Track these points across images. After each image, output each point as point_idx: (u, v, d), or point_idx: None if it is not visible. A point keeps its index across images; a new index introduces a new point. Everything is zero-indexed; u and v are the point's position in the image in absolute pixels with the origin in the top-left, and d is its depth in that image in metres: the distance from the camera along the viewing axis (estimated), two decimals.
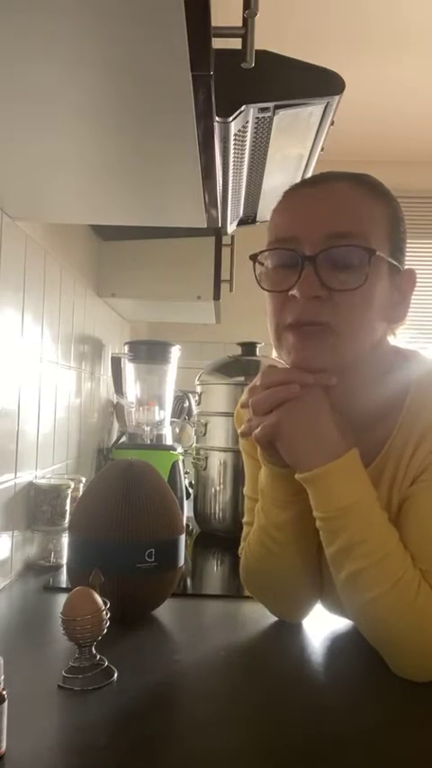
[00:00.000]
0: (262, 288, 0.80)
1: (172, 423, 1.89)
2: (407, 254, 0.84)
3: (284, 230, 0.78)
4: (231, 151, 1.01)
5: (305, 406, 0.76)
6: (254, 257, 0.81)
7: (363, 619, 0.79)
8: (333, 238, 0.75)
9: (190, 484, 1.70)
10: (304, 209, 0.78)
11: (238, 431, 0.88)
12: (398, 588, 0.72)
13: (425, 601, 0.72)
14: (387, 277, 0.78)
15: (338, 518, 0.74)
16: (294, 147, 1.13)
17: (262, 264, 0.81)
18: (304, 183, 0.82)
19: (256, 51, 0.67)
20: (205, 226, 1.08)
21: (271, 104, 0.92)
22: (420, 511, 0.77)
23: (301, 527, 0.83)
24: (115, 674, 0.74)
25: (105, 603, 0.75)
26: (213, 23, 0.53)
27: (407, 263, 0.83)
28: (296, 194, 0.81)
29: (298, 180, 1.24)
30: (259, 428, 0.77)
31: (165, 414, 1.79)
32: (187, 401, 2.05)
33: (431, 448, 0.76)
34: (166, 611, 0.97)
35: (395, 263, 0.79)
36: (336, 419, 0.77)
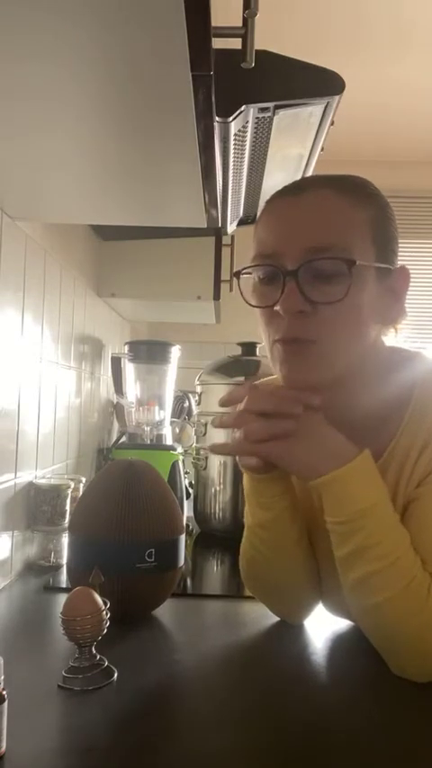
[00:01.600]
0: (247, 303, 0.80)
1: (172, 423, 1.88)
2: (406, 254, 0.84)
3: (266, 245, 0.78)
4: (231, 151, 1.01)
5: (303, 432, 0.75)
6: (237, 274, 0.81)
7: (370, 621, 0.78)
8: (313, 252, 0.74)
9: (190, 484, 1.70)
10: (284, 223, 0.77)
11: (217, 449, 0.89)
12: (409, 591, 0.72)
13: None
14: (375, 282, 0.77)
15: (355, 521, 0.73)
16: (294, 147, 1.13)
17: (248, 276, 0.81)
18: (285, 192, 0.80)
19: (256, 51, 0.66)
20: (205, 226, 1.08)
21: (271, 104, 0.92)
22: (428, 513, 0.76)
23: (287, 525, 0.83)
24: (115, 674, 0.74)
25: (105, 603, 0.75)
26: (213, 23, 0.53)
27: (406, 263, 0.82)
28: (276, 206, 0.80)
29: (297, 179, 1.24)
30: (253, 458, 0.78)
31: (165, 414, 1.79)
32: (187, 401, 2.05)
33: None
34: (166, 611, 0.97)
35: (384, 265, 0.78)
36: (330, 426, 0.77)
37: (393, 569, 0.72)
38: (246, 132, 0.98)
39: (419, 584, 0.72)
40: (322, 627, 0.92)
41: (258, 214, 0.83)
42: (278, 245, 0.76)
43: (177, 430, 1.99)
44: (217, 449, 0.88)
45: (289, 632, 0.91)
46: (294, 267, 0.74)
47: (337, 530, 0.75)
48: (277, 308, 0.75)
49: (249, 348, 1.66)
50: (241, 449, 0.79)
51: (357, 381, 0.80)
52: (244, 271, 0.80)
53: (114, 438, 2.04)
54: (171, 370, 1.85)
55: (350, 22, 1.93)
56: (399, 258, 0.82)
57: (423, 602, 0.72)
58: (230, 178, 1.15)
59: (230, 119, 0.88)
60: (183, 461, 1.65)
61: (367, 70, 2.17)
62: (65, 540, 1.20)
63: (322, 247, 0.74)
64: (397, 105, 2.41)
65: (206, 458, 1.61)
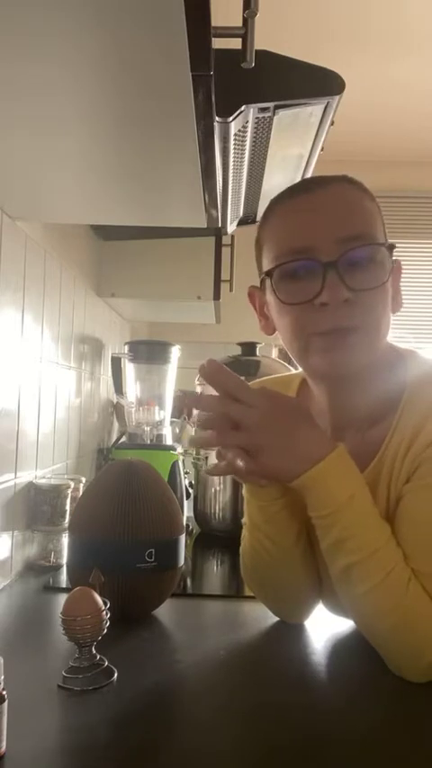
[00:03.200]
0: (282, 302, 0.79)
1: (172, 423, 1.88)
2: (407, 253, 0.85)
3: (294, 241, 0.78)
4: (231, 151, 1.01)
5: (273, 436, 0.75)
6: (270, 272, 0.80)
7: (355, 614, 0.80)
8: (347, 241, 0.76)
9: (190, 484, 1.70)
10: (309, 217, 0.78)
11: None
12: (387, 583, 0.73)
13: (413, 599, 0.73)
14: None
15: (331, 514, 0.75)
16: (294, 147, 1.13)
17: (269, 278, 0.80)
18: (297, 191, 0.81)
19: (256, 51, 0.66)
20: (205, 226, 1.08)
21: (271, 104, 0.92)
22: (412, 510, 0.77)
23: (286, 525, 0.83)
24: (115, 674, 0.74)
25: (105, 603, 0.75)
26: (213, 23, 0.53)
27: (407, 262, 0.83)
28: (292, 204, 0.80)
29: (298, 179, 1.25)
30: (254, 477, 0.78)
31: (165, 414, 1.79)
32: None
33: (423, 446, 0.76)
34: (166, 611, 0.97)
35: (392, 258, 0.81)
36: (305, 422, 0.77)
37: (371, 561, 0.73)
38: (246, 132, 0.98)
39: (399, 576, 0.73)
40: (322, 627, 0.92)
41: (264, 217, 0.83)
42: (308, 238, 0.77)
43: (177, 430, 1.98)
44: (209, 471, 0.89)
45: (289, 632, 0.91)
46: (333, 258, 0.75)
47: (318, 523, 0.77)
48: (321, 299, 0.75)
49: (249, 348, 1.66)
50: (221, 470, 0.78)
51: (368, 376, 0.81)
52: (277, 268, 0.79)
53: (114, 438, 2.04)
54: (171, 370, 1.85)
55: (350, 22, 1.93)
56: (399, 258, 0.83)
57: (401, 596, 0.73)
58: (230, 178, 1.15)
59: (230, 119, 0.88)
60: (183, 461, 1.65)
61: (367, 70, 2.17)
62: (65, 540, 1.20)
63: (354, 236, 0.76)
64: (397, 105, 2.41)
65: (206, 458, 1.61)
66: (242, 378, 0.78)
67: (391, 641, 0.76)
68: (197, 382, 1.67)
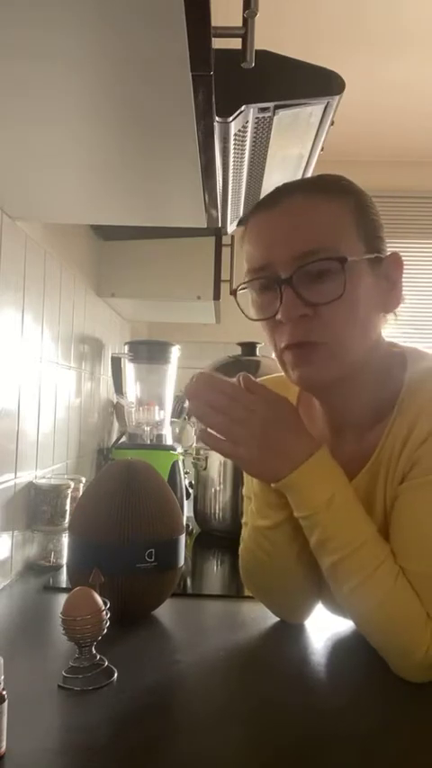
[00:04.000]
0: (249, 318, 0.82)
1: (172, 423, 1.88)
2: (407, 253, 0.84)
3: (255, 260, 0.80)
4: (231, 151, 1.00)
5: (259, 435, 0.77)
6: (234, 292, 0.83)
7: (348, 612, 0.81)
8: (302, 257, 0.75)
9: (190, 484, 1.70)
10: (268, 235, 0.79)
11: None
12: (373, 580, 0.74)
13: (399, 596, 0.73)
14: (368, 273, 0.78)
15: (310, 516, 0.77)
16: (294, 147, 1.13)
17: (245, 290, 0.82)
18: (261, 206, 0.81)
19: (256, 51, 0.66)
20: (205, 226, 1.08)
21: (271, 104, 0.92)
22: (404, 510, 0.78)
23: (294, 527, 0.83)
24: (115, 674, 0.74)
25: (105, 603, 0.75)
26: (213, 23, 0.53)
27: (407, 262, 0.82)
28: (257, 220, 0.81)
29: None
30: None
31: (165, 414, 1.79)
32: (187, 401, 2.05)
33: (416, 445, 0.77)
34: (166, 611, 0.97)
35: (374, 255, 0.79)
36: (293, 425, 0.79)
37: (353, 559, 0.75)
38: (246, 132, 0.98)
39: (384, 574, 0.74)
40: (322, 627, 0.92)
41: (243, 229, 0.84)
42: (267, 256, 0.78)
43: (177, 430, 1.98)
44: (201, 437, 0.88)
45: (289, 632, 0.91)
46: (288, 274, 0.75)
47: (303, 524, 0.79)
48: (279, 316, 0.76)
49: (249, 348, 1.66)
50: (204, 438, 0.80)
51: (357, 382, 0.81)
52: (240, 287, 0.82)
53: (114, 438, 2.04)
54: (171, 370, 1.85)
55: (350, 22, 1.93)
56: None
57: (387, 593, 0.73)
58: (230, 178, 1.15)
59: (230, 119, 0.88)
60: (183, 461, 1.65)
61: (368, 70, 2.17)
62: (65, 540, 1.20)
63: (309, 250, 0.75)
64: (397, 105, 2.41)
65: (206, 458, 1.61)
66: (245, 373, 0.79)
67: (380, 639, 0.76)
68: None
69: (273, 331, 0.80)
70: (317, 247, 0.75)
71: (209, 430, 0.79)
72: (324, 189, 0.79)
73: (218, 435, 0.78)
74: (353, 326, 0.77)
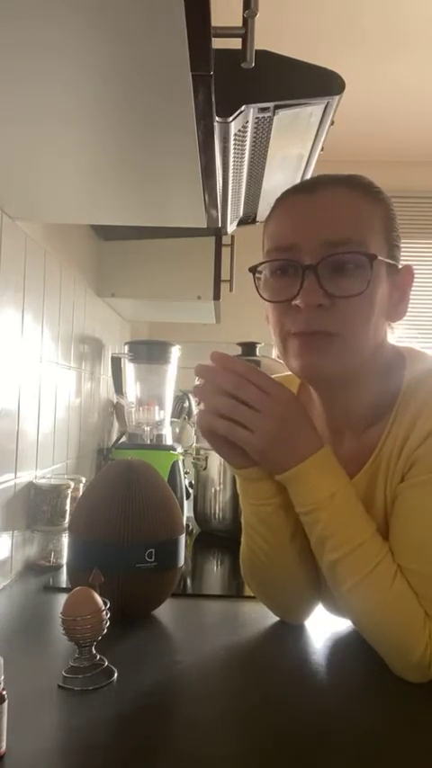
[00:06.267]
0: (263, 298, 0.80)
1: (172, 423, 1.88)
2: (407, 253, 0.84)
3: (283, 239, 0.78)
4: (231, 151, 1.01)
5: (272, 425, 0.76)
6: (253, 269, 0.81)
7: (347, 611, 0.81)
8: (332, 245, 0.75)
9: (190, 484, 1.70)
10: (301, 217, 0.78)
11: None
12: (371, 579, 0.74)
13: (398, 595, 0.73)
14: (386, 278, 0.79)
15: (312, 512, 0.77)
16: (294, 147, 1.13)
17: (260, 274, 0.81)
18: (299, 189, 0.81)
19: (256, 51, 0.66)
20: (205, 226, 1.08)
21: (271, 104, 0.92)
22: (403, 509, 0.78)
23: (281, 525, 0.84)
24: (115, 674, 0.74)
25: (105, 603, 0.75)
26: (213, 23, 0.53)
27: (407, 262, 0.83)
28: (292, 202, 0.80)
29: (298, 180, 1.25)
30: (228, 448, 0.80)
31: (165, 414, 1.79)
32: (187, 401, 2.05)
33: (416, 444, 0.77)
34: (166, 611, 0.97)
35: (393, 262, 0.80)
36: (303, 419, 0.78)
37: (352, 558, 0.75)
38: (246, 132, 0.98)
39: (383, 573, 0.74)
40: (322, 627, 0.92)
41: (270, 211, 0.83)
42: (296, 238, 0.77)
43: (177, 430, 1.98)
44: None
45: (289, 632, 0.91)
46: (314, 261, 0.75)
47: (304, 521, 0.79)
48: (296, 301, 0.75)
49: (249, 348, 1.66)
50: (202, 419, 0.79)
51: (360, 382, 0.81)
52: (261, 265, 0.80)
53: (114, 438, 2.04)
54: (171, 370, 1.85)
55: (350, 22, 1.93)
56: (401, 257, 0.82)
57: (385, 592, 0.74)
58: (230, 178, 1.15)
59: (230, 119, 0.88)
60: (183, 461, 1.65)
61: (368, 70, 2.17)
62: (65, 540, 1.20)
63: (340, 241, 0.75)
64: (397, 105, 2.41)
65: (206, 458, 1.61)
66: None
67: (378, 638, 0.76)
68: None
69: (283, 315, 0.78)
70: (347, 238, 0.75)
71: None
72: (362, 187, 0.79)
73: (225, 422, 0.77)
74: (367, 324, 0.77)
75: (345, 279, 0.75)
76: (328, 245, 0.75)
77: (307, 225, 0.77)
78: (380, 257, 0.76)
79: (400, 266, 0.82)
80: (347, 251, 0.75)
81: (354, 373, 0.80)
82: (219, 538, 1.55)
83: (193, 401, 1.94)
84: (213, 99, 0.64)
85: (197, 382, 0.81)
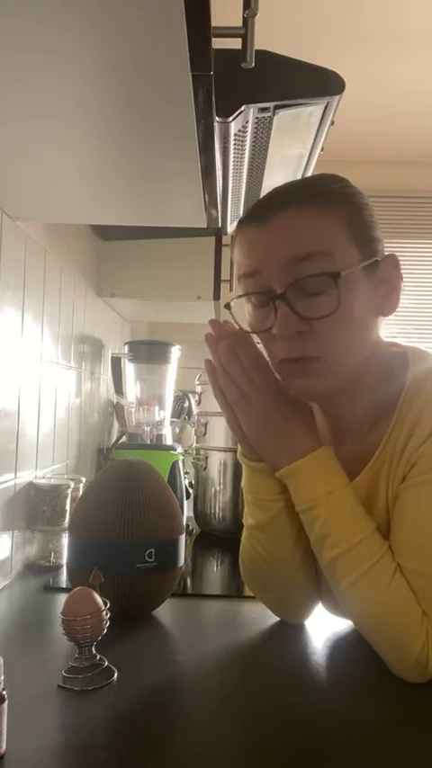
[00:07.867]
0: (244, 330, 0.82)
1: (172, 423, 1.89)
2: (407, 254, 0.84)
3: (246, 267, 0.80)
4: (231, 151, 1.00)
5: (276, 419, 0.80)
6: (228, 306, 0.84)
7: (346, 610, 0.81)
8: (296, 261, 0.75)
9: (190, 484, 1.70)
10: (261, 246, 0.78)
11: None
12: (369, 577, 0.74)
13: (396, 594, 0.73)
14: (365, 281, 0.78)
15: (311, 509, 0.77)
16: (294, 147, 1.13)
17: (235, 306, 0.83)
18: (252, 219, 0.80)
19: (256, 51, 0.66)
20: (205, 226, 1.08)
21: (271, 104, 0.92)
22: (404, 508, 0.78)
23: (285, 526, 0.84)
24: (115, 674, 0.74)
25: (105, 603, 0.75)
26: (213, 23, 0.53)
27: (406, 262, 0.82)
28: (248, 235, 0.80)
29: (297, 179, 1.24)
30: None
31: (165, 414, 1.79)
32: (187, 401, 2.05)
33: (417, 444, 0.77)
34: (166, 611, 0.97)
35: (370, 260, 0.78)
36: (302, 415, 0.81)
37: (350, 556, 0.75)
38: (246, 132, 0.98)
39: (381, 572, 0.74)
40: (322, 627, 0.92)
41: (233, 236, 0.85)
42: (259, 264, 0.78)
43: (177, 430, 1.99)
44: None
45: (289, 632, 0.91)
46: (282, 289, 0.75)
47: (303, 519, 0.79)
48: (272, 332, 0.77)
49: None
50: (213, 378, 0.83)
51: (359, 386, 0.81)
52: (234, 300, 0.82)
53: (114, 438, 2.04)
54: (171, 370, 1.85)
55: (350, 22, 1.93)
56: (399, 258, 0.82)
57: (383, 591, 0.74)
58: (230, 178, 1.15)
59: (230, 119, 0.88)
60: (183, 461, 1.65)
61: (368, 70, 2.17)
62: (65, 540, 1.20)
63: (304, 255, 0.75)
64: (397, 105, 2.41)
65: (206, 458, 1.61)
66: None
67: (377, 637, 0.77)
68: (197, 382, 1.67)
69: (268, 343, 0.80)
70: (310, 253, 0.75)
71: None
72: (314, 197, 0.78)
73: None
74: (348, 339, 0.77)
75: (316, 298, 0.75)
76: (291, 262, 0.75)
77: (265, 252, 0.77)
78: (345, 270, 0.75)
79: (381, 259, 0.80)
80: (311, 273, 0.74)
81: (348, 384, 0.80)
82: (219, 538, 1.55)
83: (193, 401, 1.93)
84: (213, 99, 0.64)
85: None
